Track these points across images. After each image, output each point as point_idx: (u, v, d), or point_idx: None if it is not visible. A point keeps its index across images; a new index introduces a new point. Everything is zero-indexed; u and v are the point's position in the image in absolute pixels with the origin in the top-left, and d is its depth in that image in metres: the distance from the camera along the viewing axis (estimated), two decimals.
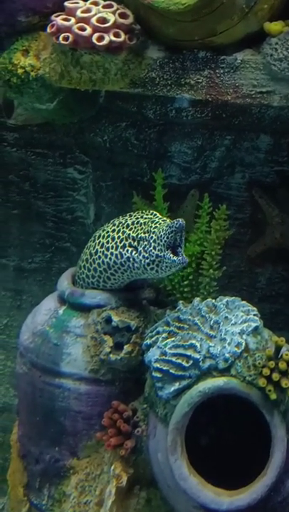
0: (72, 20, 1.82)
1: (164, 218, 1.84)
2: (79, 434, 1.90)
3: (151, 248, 1.78)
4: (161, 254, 1.77)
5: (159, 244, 1.77)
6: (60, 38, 1.82)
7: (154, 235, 1.79)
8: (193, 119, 2.17)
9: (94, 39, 1.79)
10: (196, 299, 1.89)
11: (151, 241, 1.79)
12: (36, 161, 2.40)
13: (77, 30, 1.79)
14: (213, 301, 1.87)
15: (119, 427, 1.83)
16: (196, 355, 1.72)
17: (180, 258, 1.77)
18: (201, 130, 2.26)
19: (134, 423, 1.84)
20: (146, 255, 1.80)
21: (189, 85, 1.87)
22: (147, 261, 1.80)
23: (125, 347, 1.86)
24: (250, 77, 1.85)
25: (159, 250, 1.77)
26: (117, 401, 1.86)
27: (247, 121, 2.15)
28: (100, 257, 1.92)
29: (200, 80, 1.87)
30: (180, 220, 1.77)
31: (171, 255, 1.77)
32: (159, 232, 1.78)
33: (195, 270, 2.09)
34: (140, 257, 1.81)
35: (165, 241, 1.77)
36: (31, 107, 2.08)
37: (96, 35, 1.79)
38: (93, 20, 1.80)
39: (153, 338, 1.82)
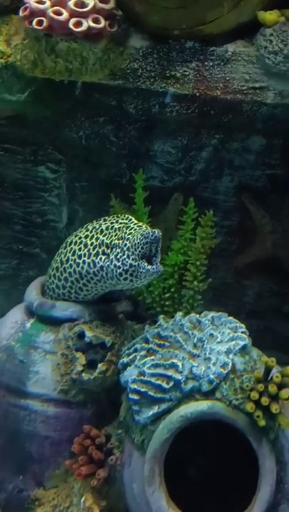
0: (48, 3, 1.80)
1: (140, 224, 1.85)
2: (46, 462, 1.89)
3: (125, 256, 1.80)
4: (135, 263, 1.78)
5: (133, 253, 1.79)
6: (34, 23, 1.80)
7: (128, 243, 1.80)
8: (178, 116, 2.16)
9: (71, 24, 1.78)
10: (179, 314, 1.88)
11: (124, 249, 1.80)
12: (4, 157, 2.37)
13: (52, 15, 1.78)
14: (198, 316, 1.87)
15: (91, 455, 1.81)
16: (178, 376, 1.71)
17: (154, 267, 1.79)
18: (187, 128, 2.25)
19: (108, 450, 1.82)
20: (119, 264, 1.80)
21: (175, 78, 1.88)
22: (120, 270, 1.80)
23: (99, 365, 1.85)
24: (241, 71, 1.85)
25: (133, 260, 1.79)
26: (89, 425, 1.85)
27: (237, 119, 2.14)
28: (71, 266, 1.92)
29: (187, 73, 1.87)
30: (156, 231, 1.78)
31: (146, 264, 1.78)
32: (134, 240, 1.79)
33: (177, 282, 2.09)
34: (112, 266, 1.82)
35: (139, 251, 1.78)
36: (0, 98, 2.06)
37: (73, 20, 1.78)
38: (70, 3, 1.78)
39: (130, 356, 1.81)
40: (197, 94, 1.88)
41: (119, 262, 1.80)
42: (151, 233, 1.77)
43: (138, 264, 1.78)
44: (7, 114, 2.24)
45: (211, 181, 2.32)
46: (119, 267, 1.80)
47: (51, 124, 2.30)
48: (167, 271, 2.07)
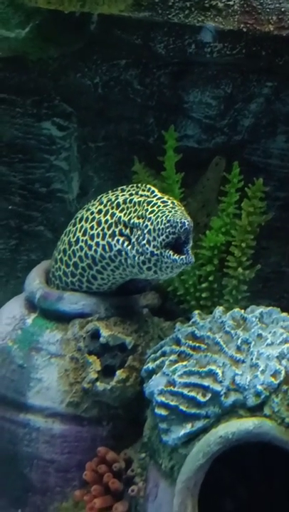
0: None
1: (165, 199, 1.84)
2: (50, 492, 1.91)
3: (145, 242, 1.80)
4: (157, 252, 1.79)
5: (154, 238, 1.79)
6: None
7: (149, 224, 1.80)
8: (220, 58, 2.15)
9: None
10: (219, 309, 1.89)
11: (145, 231, 1.81)
12: None
13: None
14: (242, 312, 1.88)
15: (107, 484, 1.83)
16: (217, 387, 1.72)
17: (184, 258, 1.78)
18: (231, 73, 2.26)
19: (128, 479, 1.85)
20: (140, 250, 1.82)
21: (216, 9, 1.88)
22: (142, 258, 1.82)
23: (118, 372, 1.87)
24: None
25: (154, 247, 1.79)
26: (104, 447, 1.87)
27: None
28: (81, 248, 1.94)
29: (231, 2, 1.88)
30: (186, 221, 1.76)
31: (171, 253, 1.78)
32: (157, 224, 1.79)
33: (217, 269, 2.10)
34: (133, 252, 1.83)
35: (163, 240, 1.78)
36: None
37: None
38: None
39: (157, 362, 1.83)
40: (244, 29, 1.89)
41: (140, 247, 1.81)
42: (179, 223, 1.76)
43: (160, 252, 1.79)
44: (3, 54, 2.24)
45: (261, 141, 2.32)
46: (141, 253, 1.81)
47: (59, 67, 2.31)
48: (205, 255, 2.09)
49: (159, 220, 1.79)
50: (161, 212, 1.80)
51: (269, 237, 2.28)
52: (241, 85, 2.27)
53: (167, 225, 1.77)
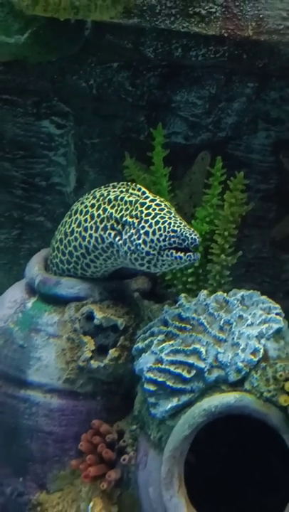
0: None
1: (158, 201, 1.82)
2: (49, 462, 1.92)
3: (140, 241, 1.79)
4: (154, 252, 1.78)
5: (153, 241, 1.78)
6: None
7: (146, 226, 1.79)
8: (205, 61, 2.15)
9: None
10: (203, 293, 1.90)
11: (141, 232, 1.79)
12: (2, 110, 2.40)
13: None
14: (225, 295, 1.88)
15: (101, 454, 1.84)
16: (201, 364, 1.73)
17: (191, 255, 1.77)
18: (215, 75, 2.26)
19: (120, 449, 1.85)
20: (132, 248, 1.81)
21: (200, 16, 1.87)
22: (134, 256, 1.81)
23: (110, 351, 1.87)
24: (278, 7, 1.84)
25: (150, 247, 1.78)
26: (98, 420, 1.88)
27: (275, 64, 2.13)
28: (76, 239, 1.94)
29: (213, 10, 1.86)
30: (196, 237, 1.74)
31: (174, 252, 1.77)
32: (159, 230, 1.76)
33: (203, 255, 2.09)
34: (125, 248, 1.83)
35: (164, 245, 1.77)
36: None
37: None
38: None
39: (146, 341, 1.83)
40: (226, 34, 1.88)
41: (132, 245, 1.81)
42: (190, 239, 1.75)
43: (158, 252, 1.78)
44: (4, 59, 2.24)
45: (243, 138, 2.32)
46: (133, 251, 1.81)
47: (56, 70, 2.32)
48: None
49: (161, 226, 1.77)
50: (160, 217, 1.79)
51: (251, 226, 2.29)
52: (225, 86, 2.27)
53: (172, 234, 1.76)
